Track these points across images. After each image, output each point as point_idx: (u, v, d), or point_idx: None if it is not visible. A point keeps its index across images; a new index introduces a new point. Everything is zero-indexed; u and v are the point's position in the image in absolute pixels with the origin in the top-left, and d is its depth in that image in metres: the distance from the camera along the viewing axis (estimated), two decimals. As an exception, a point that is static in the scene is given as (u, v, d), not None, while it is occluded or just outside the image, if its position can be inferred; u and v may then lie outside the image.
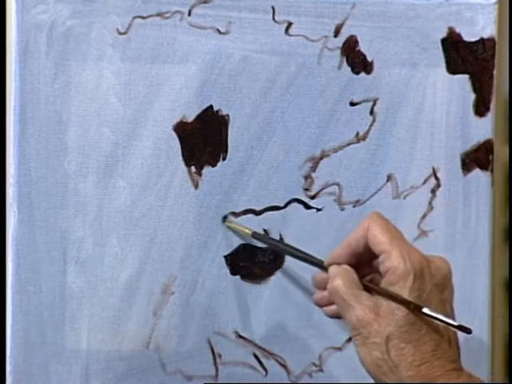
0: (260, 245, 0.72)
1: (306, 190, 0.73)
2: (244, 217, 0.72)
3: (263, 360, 0.73)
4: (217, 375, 0.72)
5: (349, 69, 0.73)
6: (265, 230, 0.72)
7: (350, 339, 0.73)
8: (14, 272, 0.70)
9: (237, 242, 0.72)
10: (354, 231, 0.61)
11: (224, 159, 0.72)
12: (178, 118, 0.71)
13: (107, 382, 0.71)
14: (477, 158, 0.74)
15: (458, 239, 0.74)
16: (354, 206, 0.73)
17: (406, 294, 0.56)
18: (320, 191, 0.73)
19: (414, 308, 0.56)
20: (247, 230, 0.70)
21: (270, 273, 0.73)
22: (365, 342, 0.56)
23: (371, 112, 0.73)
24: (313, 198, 0.73)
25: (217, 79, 0.72)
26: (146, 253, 0.71)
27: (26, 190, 0.70)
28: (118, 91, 0.70)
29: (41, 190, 0.70)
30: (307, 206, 0.73)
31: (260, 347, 0.73)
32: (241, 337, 0.72)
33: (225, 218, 0.72)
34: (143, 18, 0.70)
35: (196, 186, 0.72)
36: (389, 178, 0.73)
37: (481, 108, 0.74)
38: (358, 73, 0.73)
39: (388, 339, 0.56)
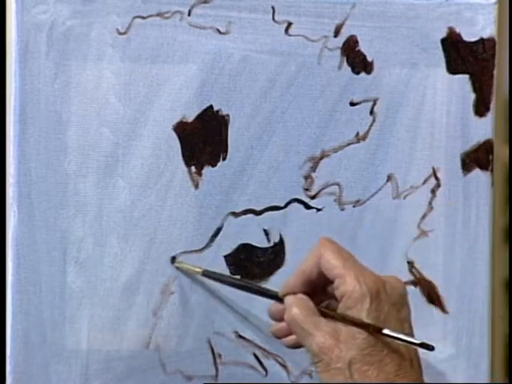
0: (260, 245, 0.72)
1: (306, 189, 0.73)
2: (244, 217, 0.72)
3: (263, 360, 0.73)
4: (217, 375, 0.72)
5: (349, 69, 0.73)
6: (265, 230, 0.72)
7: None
8: (14, 272, 0.70)
9: (237, 241, 0.72)
10: (305, 259, 0.61)
11: (224, 159, 0.72)
12: (178, 118, 0.71)
13: (107, 382, 0.71)
14: (477, 157, 0.74)
15: (457, 239, 0.74)
16: (354, 206, 0.73)
17: (364, 317, 0.56)
18: (320, 191, 0.73)
19: (374, 330, 0.56)
20: (197, 269, 0.70)
21: (270, 273, 0.73)
22: (327, 369, 0.56)
23: (371, 112, 0.73)
24: (313, 197, 0.73)
25: (217, 79, 0.72)
26: (146, 253, 0.71)
27: (26, 189, 0.70)
28: (117, 91, 0.70)
29: (41, 190, 0.70)
30: (307, 206, 0.73)
31: (260, 347, 0.73)
32: (241, 337, 0.72)
33: (173, 259, 0.71)
34: (143, 17, 0.70)
35: (196, 186, 0.72)
36: (389, 178, 0.73)
37: (481, 108, 0.74)
38: (358, 73, 0.73)
39: (350, 363, 0.55)
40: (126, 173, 0.71)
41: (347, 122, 0.73)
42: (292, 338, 0.62)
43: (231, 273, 0.72)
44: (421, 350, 0.56)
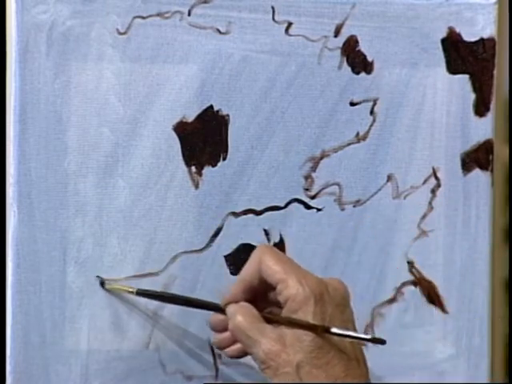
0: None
1: (307, 189, 0.73)
2: (244, 217, 0.72)
3: (263, 360, 0.73)
4: (217, 375, 0.72)
5: (349, 69, 0.73)
6: (265, 230, 0.72)
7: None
8: (14, 272, 0.70)
9: (237, 241, 0.72)
10: (245, 267, 0.61)
11: (224, 159, 0.72)
12: (178, 117, 0.71)
13: (107, 382, 0.71)
14: (477, 157, 0.74)
15: (457, 239, 0.74)
16: (354, 206, 0.73)
17: (309, 319, 0.56)
18: (320, 191, 0.73)
19: (322, 331, 0.56)
20: (131, 289, 0.69)
21: (270, 273, 0.73)
22: (276, 374, 0.56)
23: (371, 112, 0.73)
24: (313, 197, 0.73)
25: (217, 79, 0.72)
26: (146, 253, 0.71)
27: (26, 190, 0.70)
28: (118, 91, 0.70)
29: (41, 190, 0.70)
30: (307, 206, 0.73)
31: (260, 347, 0.73)
32: (241, 337, 0.72)
33: (102, 284, 0.70)
34: (143, 17, 0.70)
35: (196, 186, 0.72)
36: (389, 178, 0.73)
37: (481, 108, 0.74)
38: (358, 73, 0.73)
39: (298, 367, 0.55)
40: (125, 173, 0.71)
41: (347, 122, 0.73)
42: (236, 347, 0.62)
43: (231, 273, 0.72)
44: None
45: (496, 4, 0.74)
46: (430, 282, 0.74)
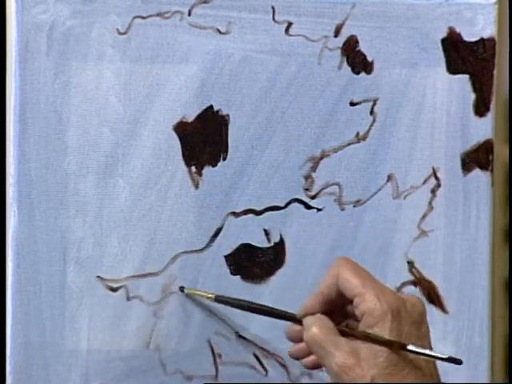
0: (260, 245, 0.72)
1: (307, 189, 0.73)
2: (244, 217, 0.72)
3: (263, 360, 0.73)
4: (217, 375, 0.72)
5: (349, 69, 0.73)
6: (265, 230, 0.72)
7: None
8: (14, 272, 0.70)
9: (237, 241, 0.72)
10: (323, 279, 0.60)
11: (224, 159, 0.72)
12: (178, 117, 0.71)
13: (107, 382, 0.71)
14: (477, 157, 0.74)
15: (457, 239, 0.74)
16: (354, 206, 0.73)
17: (386, 335, 0.55)
18: (320, 191, 0.73)
19: (398, 347, 0.55)
20: (209, 295, 0.69)
21: (270, 273, 0.73)
22: None
23: (371, 112, 0.73)
24: (313, 197, 0.73)
25: (217, 79, 0.72)
26: (146, 253, 0.71)
27: (26, 190, 0.70)
28: (118, 91, 0.70)
29: (41, 190, 0.70)
30: (307, 206, 0.73)
31: (260, 347, 0.73)
32: (241, 337, 0.72)
33: (182, 289, 0.71)
34: (143, 17, 0.70)
35: (196, 186, 0.72)
36: (389, 178, 0.74)
37: (481, 108, 0.74)
38: (358, 73, 0.73)
39: (372, 383, 0.55)
40: (126, 173, 0.71)
41: (347, 122, 0.73)
42: (312, 358, 0.61)
43: (231, 273, 0.72)
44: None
45: (496, 4, 0.74)
46: (429, 282, 0.74)
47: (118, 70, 0.70)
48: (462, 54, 0.74)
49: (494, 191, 0.74)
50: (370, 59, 0.73)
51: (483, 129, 0.74)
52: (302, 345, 0.61)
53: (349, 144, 0.73)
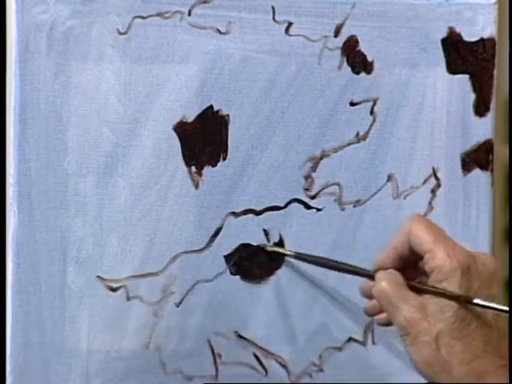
0: (260, 245, 0.72)
1: (307, 189, 0.73)
2: (244, 217, 0.72)
3: (263, 360, 0.73)
4: (217, 375, 0.72)
5: (349, 69, 0.73)
6: (265, 230, 0.72)
7: (350, 339, 0.73)
8: (14, 272, 0.70)
9: (237, 241, 0.72)
10: (396, 235, 0.60)
11: (224, 159, 0.72)
12: (178, 118, 0.71)
13: (107, 382, 0.71)
14: (477, 157, 0.74)
15: (457, 239, 0.74)
16: (354, 206, 0.73)
17: (454, 290, 0.56)
18: (320, 191, 0.73)
19: (464, 301, 0.55)
20: (289, 252, 0.71)
21: (270, 273, 0.73)
22: (414, 342, 0.56)
23: (371, 112, 0.73)
24: (313, 197, 0.73)
25: (217, 79, 0.72)
26: (146, 253, 0.71)
27: (26, 190, 0.70)
28: (118, 91, 0.70)
29: (41, 190, 0.70)
30: (307, 206, 0.73)
31: (260, 347, 0.73)
32: (241, 337, 0.72)
33: (264, 246, 0.72)
34: (143, 17, 0.70)
35: (196, 186, 0.72)
36: (389, 178, 0.73)
37: (481, 108, 0.74)
38: (358, 73, 0.73)
39: (437, 337, 0.55)
40: (126, 173, 0.71)
41: (347, 122, 0.73)
42: (384, 315, 0.62)
43: (231, 273, 0.72)
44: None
45: (496, 4, 0.74)
46: (429, 282, 0.74)
47: (118, 70, 0.70)
48: (462, 54, 0.74)
49: (493, 191, 0.74)
50: (370, 59, 0.73)
51: (483, 129, 0.74)
52: (374, 301, 0.61)
53: (349, 144, 0.73)
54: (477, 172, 0.74)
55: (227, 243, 0.72)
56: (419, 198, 0.74)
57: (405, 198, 0.74)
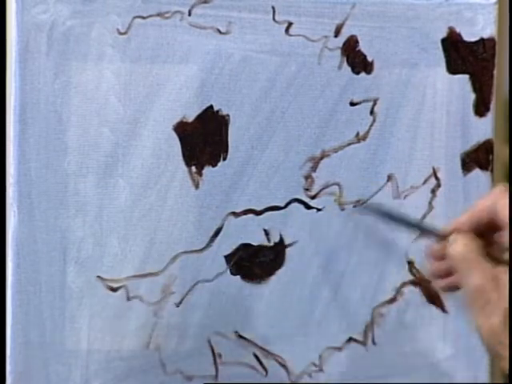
0: (260, 245, 0.72)
1: (307, 189, 0.73)
2: (244, 217, 0.72)
3: (263, 360, 0.73)
4: (217, 375, 0.72)
5: (349, 69, 0.73)
6: (265, 230, 0.72)
7: (350, 339, 0.73)
8: (14, 272, 0.70)
9: (237, 241, 0.72)
10: (480, 200, 0.59)
11: (224, 159, 0.72)
12: (178, 117, 0.71)
13: (107, 382, 0.71)
14: (477, 157, 0.74)
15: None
16: (354, 206, 0.73)
17: None
18: (320, 191, 0.73)
19: None
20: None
21: (270, 273, 0.73)
22: (481, 311, 0.55)
23: (371, 112, 0.73)
24: (313, 197, 0.73)
25: (217, 79, 0.72)
26: (146, 253, 0.71)
27: (26, 190, 0.70)
28: (118, 91, 0.70)
29: (41, 190, 0.70)
30: (307, 206, 0.73)
31: (260, 347, 0.73)
32: (241, 337, 0.72)
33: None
34: (143, 17, 0.70)
35: (196, 186, 0.72)
36: (389, 177, 0.74)
37: (481, 108, 0.74)
38: (358, 73, 0.73)
39: (506, 310, 0.54)
40: (126, 173, 0.71)
41: (347, 122, 0.73)
42: (449, 280, 0.60)
43: (231, 273, 0.72)
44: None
45: (496, 4, 0.74)
46: (430, 282, 0.74)
47: (118, 70, 0.70)
48: (462, 54, 0.74)
49: (493, 191, 0.74)
50: (370, 59, 0.73)
51: (483, 129, 0.74)
52: (442, 264, 0.60)
53: (349, 144, 0.73)
54: (477, 172, 0.74)
55: (227, 243, 0.72)
56: (419, 197, 0.74)
57: (405, 198, 0.74)
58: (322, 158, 0.73)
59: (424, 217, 0.74)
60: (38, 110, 0.70)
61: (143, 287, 0.71)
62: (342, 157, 0.73)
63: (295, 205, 0.73)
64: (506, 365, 0.54)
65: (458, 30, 0.73)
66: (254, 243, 0.72)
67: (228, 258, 0.72)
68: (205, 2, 0.71)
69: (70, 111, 0.70)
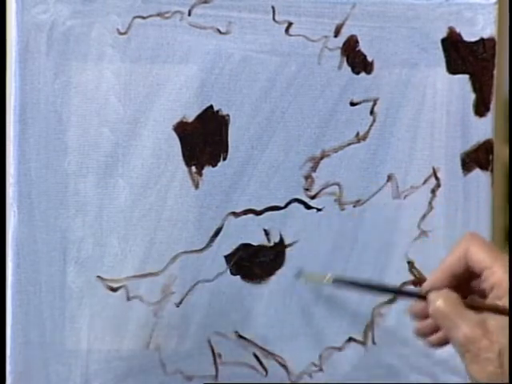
0: (260, 245, 0.72)
1: (307, 189, 0.73)
2: (244, 217, 0.72)
3: (263, 360, 0.73)
4: (217, 375, 0.72)
5: (349, 69, 0.73)
6: (265, 230, 0.72)
7: (350, 339, 0.73)
8: (14, 272, 0.70)
9: (237, 241, 0.72)
10: (451, 254, 0.60)
11: (224, 159, 0.72)
12: (178, 117, 0.71)
13: (107, 382, 0.71)
14: (477, 157, 0.74)
15: (457, 239, 0.74)
16: (354, 206, 0.73)
17: None
18: (320, 191, 0.73)
19: None
20: (327, 278, 0.68)
21: (270, 273, 0.73)
22: (476, 359, 0.55)
23: (371, 112, 0.73)
24: (313, 197, 0.73)
25: (217, 79, 0.72)
26: (146, 253, 0.71)
27: (26, 189, 0.70)
28: (118, 91, 0.70)
29: (41, 190, 0.70)
30: (307, 206, 0.73)
31: (260, 347, 0.73)
32: (241, 337, 0.72)
33: (299, 274, 0.71)
34: (143, 17, 0.70)
35: (196, 186, 0.72)
36: (389, 177, 0.74)
37: (481, 108, 0.74)
38: (358, 73, 0.73)
39: (501, 354, 0.54)
40: (126, 173, 0.71)
41: (347, 122, 0.73)
42: (437, 336, 0.61)
43: (231, 273, 0.72)
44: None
45: (496, 4, 0.74)
46: (429, 282, 0.74)
47: (118, 70, 0.70)
48: (462, 54, 0.74)
49: (493, 191, 0.74)
50: (370, 59, 0.73)
51: (483, 129, 0.74)
52: (427, 322, 0.61)
53: (349, 144, 0.73)
54: (477, 172, 0.74)
55: (227, 243, 0.72)
56: (419, 198, 0.74)
57: (405, 198, 0.74)
58: (322, 158, 0.73)
59: (424, 217, 0.74)
60: (38, 110, 0.70)
61: (143, 287, 0.71)
62: (342, 157, 0.73)
63: (295, 205, 0.73)
64: None
65: (457, 30, 0.73)
66: (254, 243, 0.72)
67: (228, 257, 0.72)
68: (205, 2, 0.71)
69: (70, 111, 0.70)
